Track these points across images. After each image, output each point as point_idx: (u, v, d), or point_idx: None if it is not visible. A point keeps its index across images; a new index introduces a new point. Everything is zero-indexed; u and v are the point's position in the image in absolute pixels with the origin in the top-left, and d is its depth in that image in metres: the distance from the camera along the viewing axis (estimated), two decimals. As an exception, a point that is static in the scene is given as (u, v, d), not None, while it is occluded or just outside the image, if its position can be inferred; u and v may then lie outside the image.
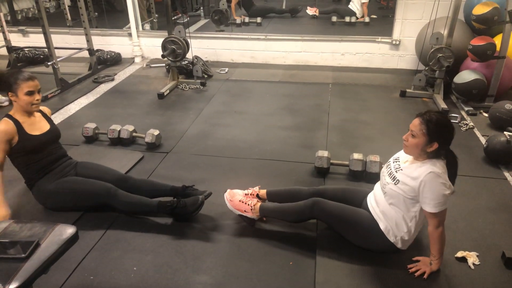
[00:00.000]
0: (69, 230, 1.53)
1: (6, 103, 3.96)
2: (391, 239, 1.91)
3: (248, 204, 2.14)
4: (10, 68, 5.01)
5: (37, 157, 2.29)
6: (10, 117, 2.21)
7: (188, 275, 1.93)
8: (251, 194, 2.26)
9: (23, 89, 2.16)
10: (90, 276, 1.93)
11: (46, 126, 2.36)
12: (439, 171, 1.75)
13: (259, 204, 2.15)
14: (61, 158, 2.42)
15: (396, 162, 1.95)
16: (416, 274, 1.87)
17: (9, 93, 2.19)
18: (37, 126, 2.30)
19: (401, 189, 1.83)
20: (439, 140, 1.77)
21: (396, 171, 1.89)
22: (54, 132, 2.39)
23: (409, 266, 1.92)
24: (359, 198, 2.12)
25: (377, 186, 2.05)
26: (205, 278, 1.91)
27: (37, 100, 2.23)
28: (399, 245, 1.93)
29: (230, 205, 2.20)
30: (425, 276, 1.86)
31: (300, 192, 2.21)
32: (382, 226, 1.91)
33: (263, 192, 2.29)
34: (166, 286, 1.87)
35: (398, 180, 1.85)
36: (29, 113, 2.28)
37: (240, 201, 2.18)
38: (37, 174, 2.31)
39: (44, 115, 2.41)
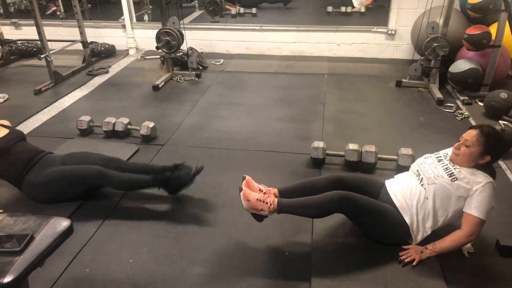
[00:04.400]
0: (64, 223, 1.52)
1: (1, 100, 3.93)
2: (414, 233, 1.91)
3: (267, 203, 1.89)
4: (3, 62, 4.95)
5: (9, 158, 2.30)
6: None
7: (184, 266, 1.93)
8: (265, 193, 2.00)
9: None
10: (86, 268, 1.93)
11: (4, 131, 2.39)
12: (495, 186, 1.81)
13: (276, 200, 1.92)
14: (37, 152, 2.41)
15: (447, 158, 1.94)
16: (406, 260, 1.89)
17: None
18: None
19: (458, 186, 1.81)
20: (492, 154, 1.81)
21: (454, 168, 1.87)
22: (14, 133, 2.43)
23: (400, 253, 1.93)
24: (376, 187, 2.10)
25: (406, 178, 2.02)
26: (201, 270, 1.92)
27: None
28: (417, 239, 1.93)
29: (246, 205, 1.90)
30: (414, 264, 1.87)
31: (316, 183, 2.06)
32: (407, 219, 1.90)
33: (275, 191, 2.07)
34: (163, 278, 1.87)
35: (456, 177, 1.83)
36: None
37: (257, 199, 1.90)
38: (22, 172, 2.31)
39: (2, 125, 2.44)
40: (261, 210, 1.90)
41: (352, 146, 2.69)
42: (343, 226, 2.16)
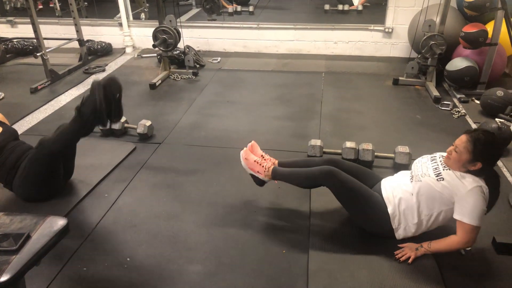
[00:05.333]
0: (60, 222, 1.52)
1: None
2: (394, 224, 1.93)
3: (263, 166, 2.14)
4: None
5: (1, 158, 2.30)
6: None
7: (181, 265, 1.93)
8: (265, 159, 2.22)
9: None
10: (83, 267, 1.92)
11: None
12: (487, 189, 1.77)
13: (272, 166, 2.15)
14: (27, 151, 2.39)
15: (441, 159, 1.93)
16: (402, 259, 1.90)
17: None
18: None
19: (443, 186, 1.80)
20: (483, 160, 1.76)
21: (443, 169, 1.86)
22: (8, 132, 2.42)
23: (395, 252, 1.94)
24: (372, 179, 2.12)
25: (401, 175, 2.04)
26: (199, 268, 1.92)
27: None
28: (398, 233, 1.95)
29: (244, 163, 2.20)
30: (409, 261, 1.88)
31: (314, 160, 2.21)
32: (390, 210, 1.92)
33: (275, 161, 2.24)
34: (160, 276, 1.87)
35: (442, 178, 1.82)
36: None
37: (255, 161, 2.17)
38: (11, 170, 2.31)
39: None
40: (258, 172, 2.16)
41: (349, 144, 2.70)
42: (340, 224, 2.17)
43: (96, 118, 2.24)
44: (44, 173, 2.32)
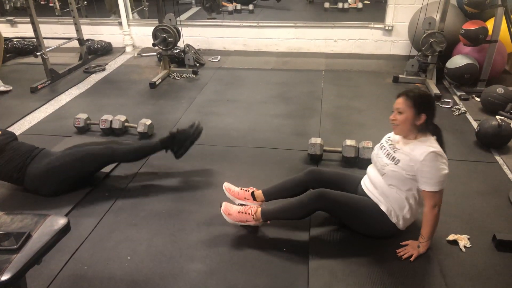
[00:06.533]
0: (61, 221, 1.52)
1: (3, 88, 4.07)
2: (393, 219, 1.93)
3: (249, 213, 2.02)
4: None
5: (6, 155, 2.34)
6: None
7: (182, 263, 1.94)
8: (246, 190, 2.21)
9: None
10: (84, 266, 1.93)
11: None
12: (439, 149, 1.80)
13: (259, 209, 2.03)
14: (33, 148, 2.46)
15: (389, 142, 1.97)
16: (404, 257, 1.90)
17: None
18: None
19: (402, 168, 1.84)
20: (426, 111, 1.82)
21: (394, 151, 1.90)
22: (7, 133, 2.49)
23: (397, 250, 1.95)
24: (354, 182, 2.13)
25: (371, 169, 2.06)
26: (200, 266, 1.92)
27: None
28: (400, 225, 1.95)
29: (230, 219, 2.05)
30: (411, 259, 1.88)
31: (294, 180, 2.17)
32: (383, 207, 1.92)
33: (258, 192, 2.20)
34: (161, 275, 1.87)
35: (398, 160, 1.86)
36: None
37: (239, 212, 2.04)
38: (22, 165, 2.35)
39: None
40: (246, 221, 2.04)
41: (349, 142, 2.70)
42: (340, 222, 2.17)
43: (178, 149, 2.58)
44: (72, 176, 2.39)
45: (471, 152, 2.85)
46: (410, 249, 1.92)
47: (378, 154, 2.00)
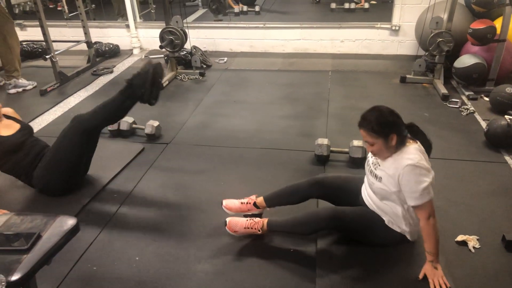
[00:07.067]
0: (70, 222, 1.54)
1: (30, 87, 4.17)
2: (399, 229, 1.88)
3: (255, 228, 2.02)
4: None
5: (20, 154, 2.37)
6: None
7: (189, 264, 1.95)
8: (247, 203, 2.15)
9: None
10: (93, 266, 1.95)
11: (16, 126, 2.45)
12: (415, 159, 1.69)
13: (266, 223, 2.02)
14: (45, 148, 2.49)
15: (373, 157, 1.89)
16: (437, 285, 1.75)
17: None
18: (7, 129, 2.40)
19: (385, 185, 1.79)
20: (393, 130, 1.73)
21: (375, 168, 1.85)
22: (26, 128, 2.50)
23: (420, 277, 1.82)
24: (356, 188, 2.07)
25: (366, 182, 2.00)
26: (207, 267, 1.93)
27: None
28: (407, 235, 1.89)
29: (238, 235, 2.07)
30: (440, 279, 1.75)
31: (299, 186, 2.11)
32: (385, 219, 1.88)
33: (260, 199, 2.15)
34: (168, 275, 1.88)
35: (380, 177, 1.81)
36: None
37: (245, 228, 2.03)
38: (30, 167, 2.38)
39: (9, 117, 2.50)
40: (253, 233, 2.04)
41: (356, 142, 2.69)
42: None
43: (142, 93, 2.36)
44: (68, 161, 2.38)
45: (480, 152, 2.82)
46: (432, 276, 1.77)
47: (366, 170, 1.94)
